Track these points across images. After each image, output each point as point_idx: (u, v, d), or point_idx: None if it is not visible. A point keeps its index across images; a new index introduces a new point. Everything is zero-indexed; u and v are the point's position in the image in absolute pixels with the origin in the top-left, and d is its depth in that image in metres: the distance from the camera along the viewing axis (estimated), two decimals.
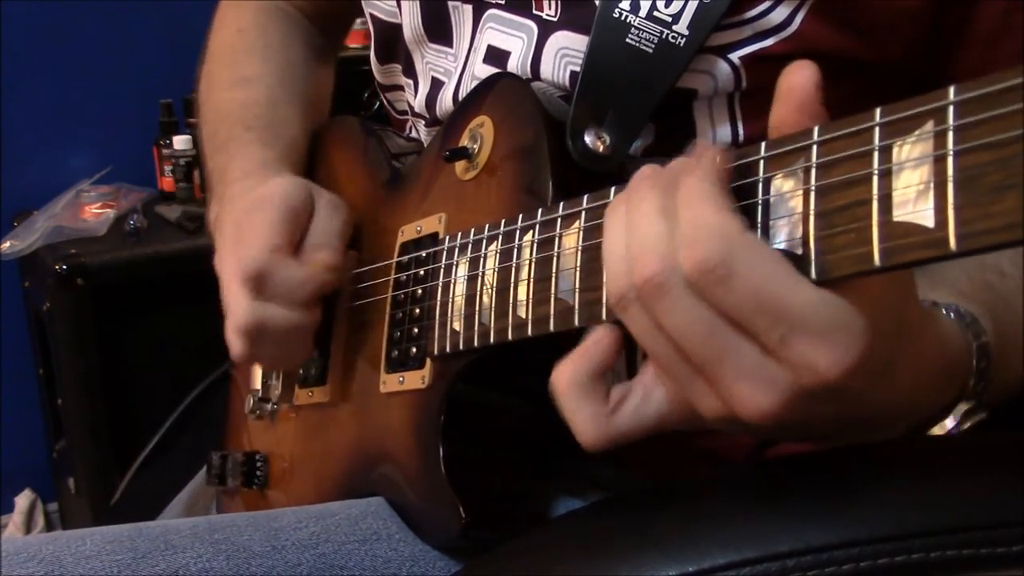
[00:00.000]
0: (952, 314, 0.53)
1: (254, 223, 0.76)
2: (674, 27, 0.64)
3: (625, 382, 0.50)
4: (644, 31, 0.64)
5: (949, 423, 0.52)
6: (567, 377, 0.50)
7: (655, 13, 0.64)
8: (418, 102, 0.82)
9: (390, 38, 0.85)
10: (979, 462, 0.56)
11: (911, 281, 0.47)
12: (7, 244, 2.04)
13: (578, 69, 0.68)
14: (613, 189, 0.54)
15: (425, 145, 0.82)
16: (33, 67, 2.21)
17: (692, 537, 0.52)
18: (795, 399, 0.43)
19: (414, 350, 0.71)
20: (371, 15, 0.86)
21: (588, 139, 0.64)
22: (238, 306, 0.75)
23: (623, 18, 0.65)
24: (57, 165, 2.25)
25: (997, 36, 0.63)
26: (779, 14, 0.64)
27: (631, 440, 0.50)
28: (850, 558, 0.49)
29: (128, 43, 2.27)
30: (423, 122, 0.83)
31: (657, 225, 0.44)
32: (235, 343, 0.77)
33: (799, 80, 0.44)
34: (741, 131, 0.69)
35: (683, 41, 0.63)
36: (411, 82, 0.84)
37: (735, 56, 0.65)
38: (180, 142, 2.16)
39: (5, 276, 2.22)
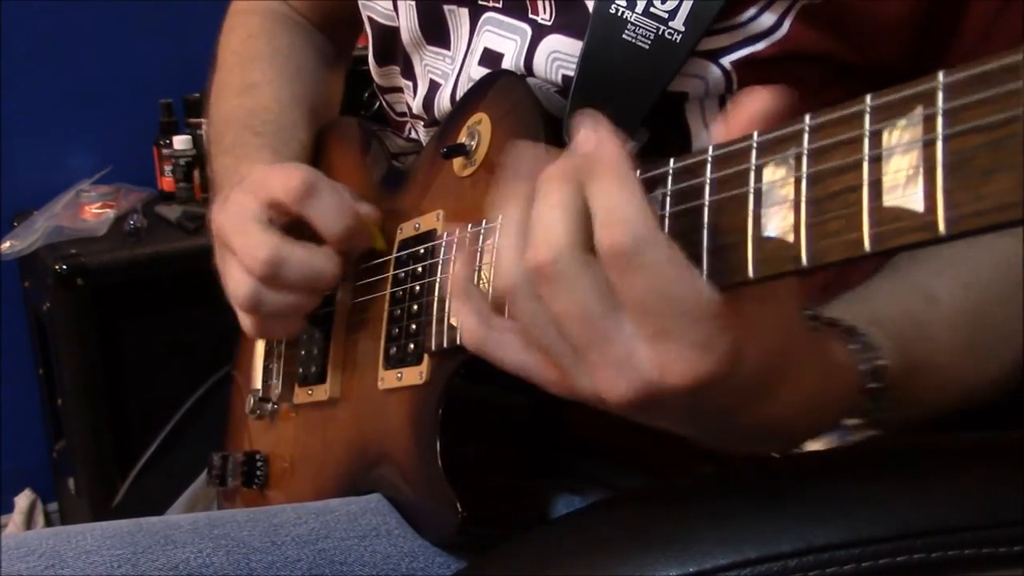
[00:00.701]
0: (845, 334, 0.54)
1: (267, 170, 0.76)
2: (670, 23, 0.64)
3: None
4: (640, 27, 0.64)
5: (834, 437, 0.53)
6: (455, 279, 0.54)
7: (651, 9, 0.64)
8: (416, 103, 0.82)
9: (387, 40, 0.85)
10: (979, 462, 0.56)
11: (793, 310, 0.49)
12: (7, 244, 2.04)
13: (569, 73, 0.68)
14: None
15: (424, 145, 0.82)
16: (33, 67, 2.21)
17: (693, 537, 0.52)
18: (650, 392, 0.46)
19: (412, 346, 0.71)
20: (368, 18, 0.86)
21: None
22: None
23: (619, 14, 0.65)
24: (57, 165, 2.25)
25: (987, 34, 0.63)
26: (767, 19, 0.64)
27: (509, 349, 0.52)
28: (851, 558, 0.49)
29: (128, 43, 2.27)
30: (422, 123, 0.83)
31: (559, 214, 0.46)
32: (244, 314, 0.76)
33: (751, 109, 0.46)
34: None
35: (679, 38, 0.63)
36: (410, 84, 0.84)
37: (726, 61, 0.66)
38: (180, 142, 2.16)
39: (5, 276, 2.22)
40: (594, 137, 0.47)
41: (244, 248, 0.73)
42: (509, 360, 0.52)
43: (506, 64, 0.72)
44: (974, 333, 0.60)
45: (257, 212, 0.73)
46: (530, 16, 0.71)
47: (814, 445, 0.54)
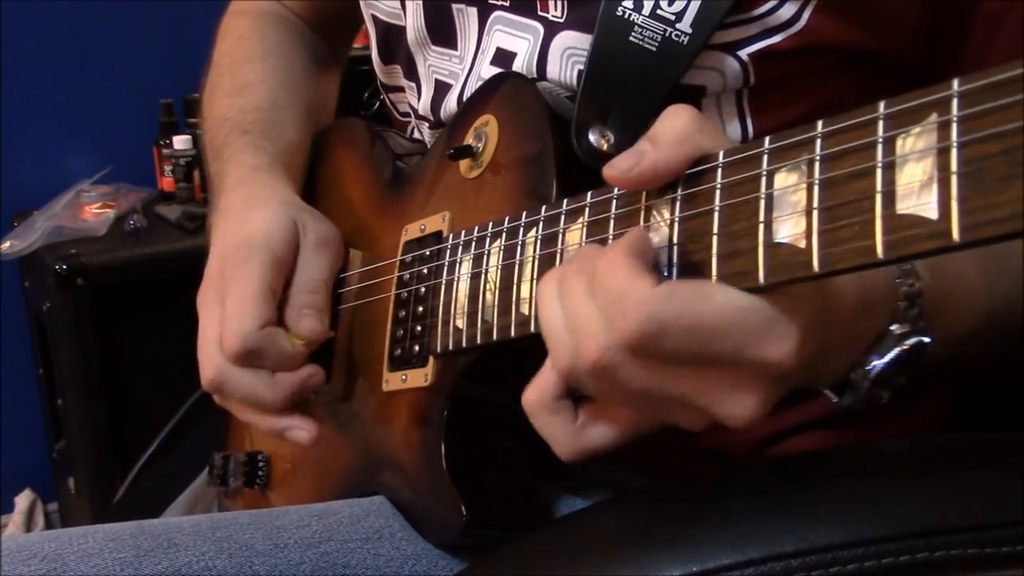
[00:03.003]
0: None
1: (238, 278, 0.76)
2: (677, 25, 0.64)
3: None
4: (647, 29, 0.64)
5: (888, 344, 0.53)
6: (532, 400, 0.53)
7: (658, 11, 0.64)
8: (422, 105, 0.82)
9: (391, 39, 0.85)
10: (982, 462, 0.56)
11: None
12: (7, 244, 2.04)
13: (584, 69, 0.68)
14: (616, 187, 0.55)
15: (429, 146, 0.82)
16: (33, 67, 2.21)
17: (696, 537, 0.52)
18: (770, 393, 0.47)
19: (417, 348, 0.71)
20: (372, 16, 0.86)
21: (592, 137, 0.64)
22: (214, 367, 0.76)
23: (626, 16, 0.65)
24: (57, 165, 2.25)
25: (998, 23, 0.63)
26: (787, 10, 0.64)
27: (608, 449, 0.53)
28: (854, 558, 0.49)
29: (128, 43, 2.27)
30: (427, 124, 0.83)
31: (588, 306, 0.48)
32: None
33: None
34: (751, 127, 0.69)
35: (686, 39, 0.63)
36: (413, 85, 0.84)
37: (743, 53, 0.65)
38: (180, 142, 2.16)
39: (5, 276, 2.22)
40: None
41: (200, 351, 0.77)
42: (620, 440, 0.53)
43: (519, 63, 0.72)
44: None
45: (218, 322, 0.76)
46: (540, 13, 0.71)
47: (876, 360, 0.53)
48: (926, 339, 0.53)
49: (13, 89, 2.19)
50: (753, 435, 0.74)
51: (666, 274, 0.50)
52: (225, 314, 0.75)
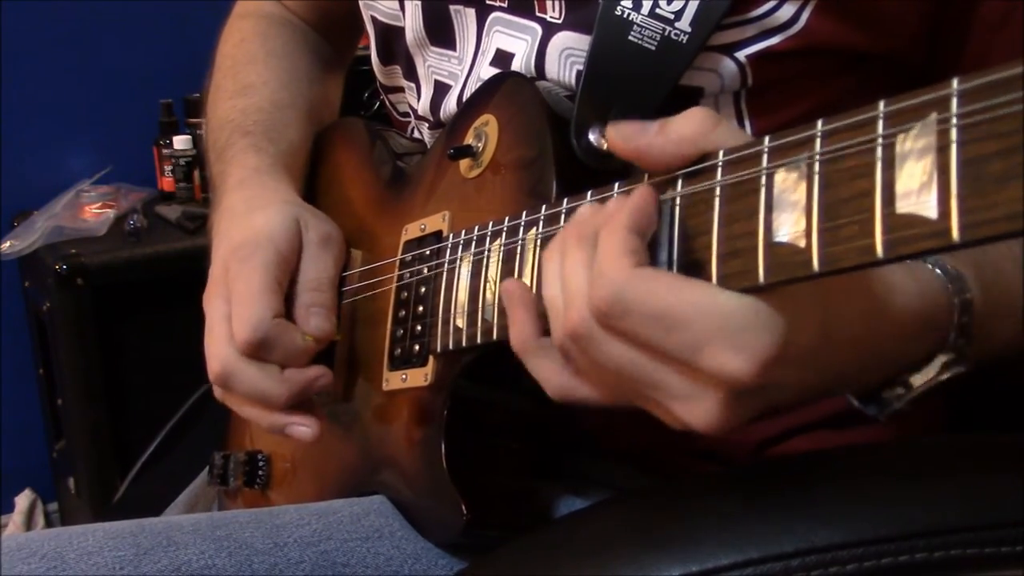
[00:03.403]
0: (938, 270, 0.54)
1: (244, 274, 0.75)
2: (676, 24, 0.64)
3: None
4: (646, 28, 0.64)
5: (930, 372, 0.53)
6: (518, 339, 0.55)
7: (657, 10, 0.64)
8: (421, 106, 0.82)
9: (389, 40, 0.85)
10: (981, 462, 0.56)
11: None
12: (7, 244, 2.04)
13: (583, 68, 0.68)
14: (616, 184, 0.55)
15: (429, 146, 0.82)
16: (33, 67, 2.21)
17: (696, 537, 0.52)
18: (729, 403, 0.47)
19: (417, 347, 0.71)
20: (371, 17, 0.86)
21: (592, 137, 0.64)
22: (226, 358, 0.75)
23: (625, 15, 0.65)
24: (57, 165, 2.25)
25: (999, 25, 0.63)
26: (785, 12, 0.64)
27: (594, 400, 0.53)
28: (853, 558, 0.49)
29: (128, 43, 2.27)
30: (426, 125, 0.83)
31: (581, 275, 0.50)
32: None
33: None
34: (749, 128, 0.69)
35: (686, 38, 0.63)
36: (413, 85, 0.84)
37: (741, 55, 0.65)
38: (180, 142, 2.16)
39: (5, 276, 2.22)
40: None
41: (208, 347, 0.76)
42: (602, 395, 0.53)
43: (516, 63, 0.72)
44: None
45: (226, 319, 0.75)
46: (538, 14, 0.71)
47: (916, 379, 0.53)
48: (964, 368, 0.53)
49: (13, 89, 2.19)
50: (753, 436, 0.74)
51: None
52: (234, 309, 0.74)
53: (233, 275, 0.76)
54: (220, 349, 0.75)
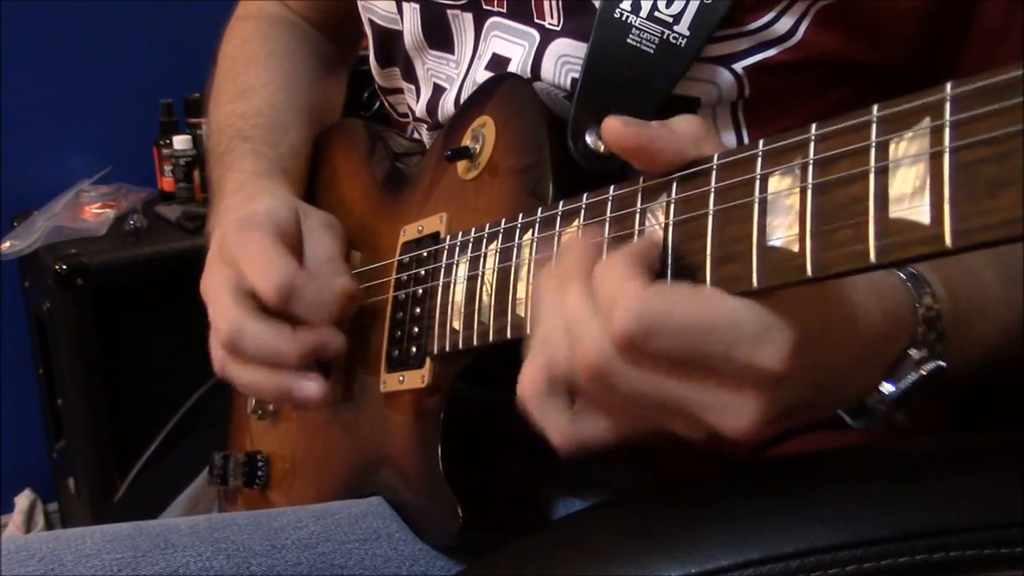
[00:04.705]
0: (900, 274, 0.54)
1: (249, 239, 0.73)
2: (675, 28, 0.63)
3: None
4: (645, 31, 0.64)
5: (906, 370, 0.53)
6: (527, 388, 0.52)
7: (656, 14, 0.64)
8: (420, 107, 0.82)
9: (388, 43, 0.85)
10: (981, 463, 0.56)
11: None
12: (7, 244, 2.04)
13: (579, 75, 0.68)
14: (612, 187, 0.54)
15: (428, 147, 0.82)
16: (33, 67, 2.21)
17: (696, 538, 0.52)
18: (764, 399, 0.46)
19: (414, 349, 0.71)
20: (369, 20, 0.86)
21: (589, 139, 0.64)
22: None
23: (624, 18, 0.65)
24: (57, 165, 2.25)
25: (1000, 34, 0.63)
26: (784, 24, 0.64)
27: (604, 442, 0.52)
28: (853, 559, 0.49)
29: (128, 43, 2.27)
30: (425, 126, 0.83)
31: (585, 308, 0.48)
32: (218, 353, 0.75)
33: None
34: (746, 138, 0.69)
35: (684, 42, 0.63)
36: (412, 87, 0.84)
37: (738, 66, 0.65)
38: (180, 142, 2.16)
39: (5, 276, 2.22)
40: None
41: (213, 315, 0.74)
42: (615, 433, 0.52)
43: (512, 68, 0.72)
44: (1007, 259, 0.59)
45: (231, 282, 0.73)
46: (536, 21, 0.71)
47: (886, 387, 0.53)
48: (943, 364, 0.52)
49: (13, 89, 2.19)
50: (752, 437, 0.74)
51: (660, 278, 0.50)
52: (246, 268, 0.72)
53: (235, 245, 0.74)
54: (227, 310, 0.72)
